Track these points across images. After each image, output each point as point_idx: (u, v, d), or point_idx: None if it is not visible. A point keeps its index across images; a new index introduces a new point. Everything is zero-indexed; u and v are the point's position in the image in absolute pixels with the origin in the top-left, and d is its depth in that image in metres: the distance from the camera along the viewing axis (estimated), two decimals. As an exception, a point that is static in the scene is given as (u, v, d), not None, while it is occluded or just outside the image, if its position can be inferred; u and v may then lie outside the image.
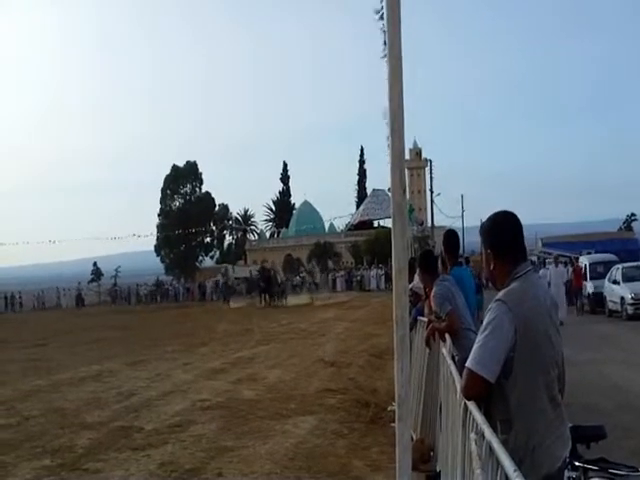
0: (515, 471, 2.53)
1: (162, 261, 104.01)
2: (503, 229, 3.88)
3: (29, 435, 10.90)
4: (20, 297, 75.89)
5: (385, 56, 4.49)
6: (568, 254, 40.50)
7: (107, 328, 30.23)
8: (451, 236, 8.26)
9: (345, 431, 10.22)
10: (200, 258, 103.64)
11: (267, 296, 48.08)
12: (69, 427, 11.31)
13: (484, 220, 4.04)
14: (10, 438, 10.77)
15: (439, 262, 8.50)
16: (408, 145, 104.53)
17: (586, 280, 30.97)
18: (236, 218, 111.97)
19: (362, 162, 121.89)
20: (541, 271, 29.03)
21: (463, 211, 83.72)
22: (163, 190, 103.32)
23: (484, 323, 3.66)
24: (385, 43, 4.52)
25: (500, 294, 3.70)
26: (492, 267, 3.89)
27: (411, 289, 9.46)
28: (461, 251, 20.64)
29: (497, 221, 3.93)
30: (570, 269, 32.70)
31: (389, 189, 4.76)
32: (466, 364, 3.67)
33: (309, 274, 54.42)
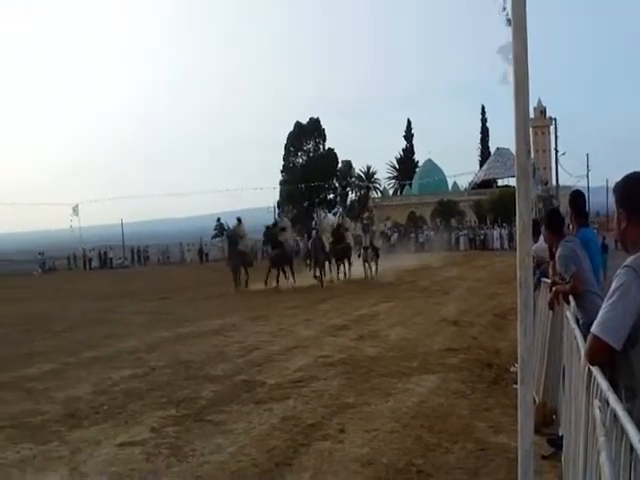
0: (640, 441, 2.48)
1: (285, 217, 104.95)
2: (638, 189, 3.77)
3: (155, 385, 11.34)
4: (147, 251, 78.23)
5: (509, 20, 4.37)
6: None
7: (229, 283, 30.64)
8: (577, 197, 8.05)
9: (467, 391, 10.18)
10: (323, 215, 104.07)
11: (281, 270, 30.94)
12: (193, 379, 11.71)
13: (618, 179, 3.90)
14: (138, 387, 11.25)
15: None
16: (532, 104, 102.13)
17: None
18: (359, 175, 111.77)
19: (484, 120, 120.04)
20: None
21: (588, 171, 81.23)
22: (286, 147, 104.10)
23: (611, 289, 3.57)
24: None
25: (629, 260, 3.59)
26: (623, 227, 3.79)
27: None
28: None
29: (633, 180, 3.78)
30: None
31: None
32: (591, 329, 3.59)
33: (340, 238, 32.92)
